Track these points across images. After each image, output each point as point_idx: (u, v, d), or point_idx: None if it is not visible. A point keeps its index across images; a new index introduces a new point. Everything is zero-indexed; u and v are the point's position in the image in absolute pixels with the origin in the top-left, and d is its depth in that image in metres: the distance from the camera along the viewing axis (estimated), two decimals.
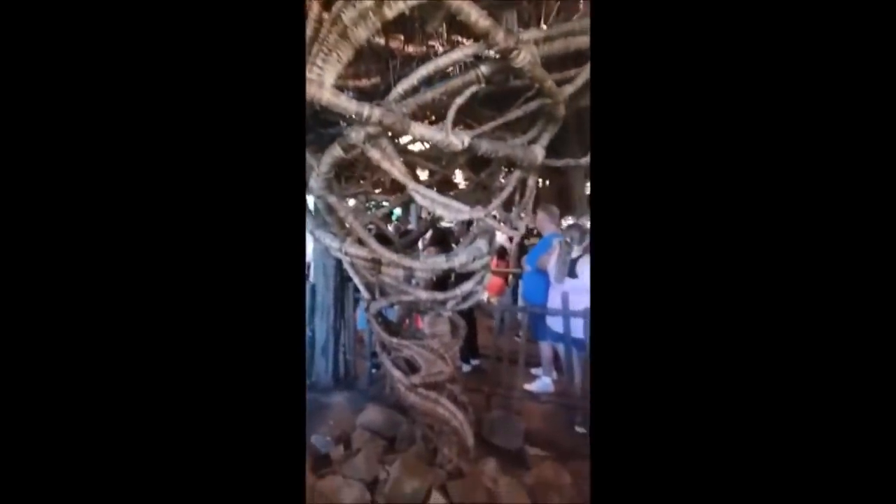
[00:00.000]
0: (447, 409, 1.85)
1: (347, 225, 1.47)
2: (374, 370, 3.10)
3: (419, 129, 1.09)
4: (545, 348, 3.08)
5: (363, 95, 1.98)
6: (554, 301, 2.75)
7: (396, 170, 1.16)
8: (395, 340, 1.86)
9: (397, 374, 1.86)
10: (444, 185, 2.76)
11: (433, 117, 1.97)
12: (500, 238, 4.28)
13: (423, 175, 2.60)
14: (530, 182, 1.57)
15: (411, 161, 2.49)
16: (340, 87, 1.70)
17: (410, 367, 1.91)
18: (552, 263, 2.79)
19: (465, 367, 3.42)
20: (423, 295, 1.68)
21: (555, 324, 2.74)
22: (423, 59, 1.73)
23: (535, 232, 3.80)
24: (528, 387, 2.97)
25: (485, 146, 1.24)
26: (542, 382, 3.08)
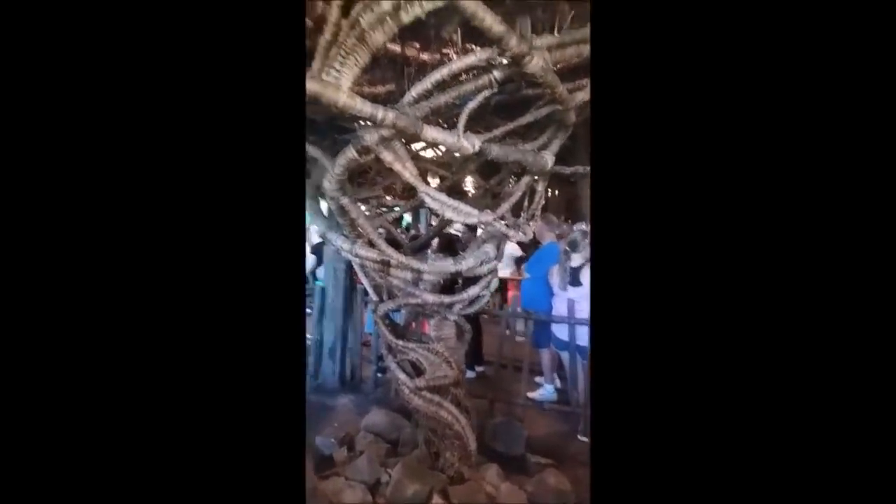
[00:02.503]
0: (450, 413, 1.85)
1: (359, 227, 1.49)
2: (379, 374, 3.12)
3: (432, 132, 1.11)
4: (545, 356, 3.07)
5: (379, 102, 2.02)
6: (559, 308, 2.75)
7: (408, 172, 1.19)
8: (400, 343, 1.87)
9: (402, 376, 1.86)
10: (454, 193, 2.79)
11: (445, 125, 2.00)
12: (514, 248, 4.28)
13: (434, 182, 2.63)
14: (539, 188, 1.59)
15: (423, 167, 2.53)
16: (357, 93, 1.74)
17: (415, 370, 1.91)
18: (555, 272, 2.80)
19: (470, 374, 3.42)
20: (430, 298, 1.70)
21: (560, 331, 2.73)
22: (438, 66, 1.77)
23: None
24: (531, 395, 2.96)
25: (495, 151, 1.26)
26: (545, 390, 3.06)
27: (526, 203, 1.61)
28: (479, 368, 3.55)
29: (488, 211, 1.41)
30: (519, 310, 3.19)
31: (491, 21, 0.90)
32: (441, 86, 1.05)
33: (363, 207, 2.45)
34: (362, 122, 1.11)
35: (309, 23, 1.51)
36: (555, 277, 2.81)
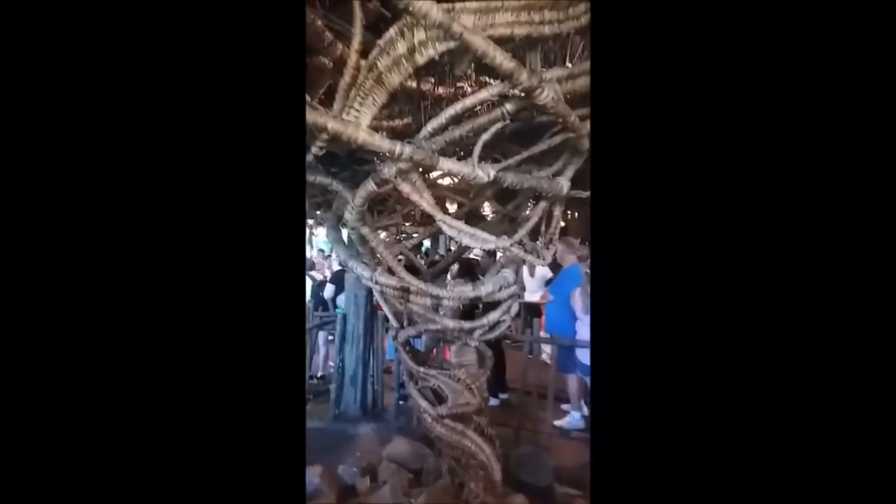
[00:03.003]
0: (474, 441, 1.82)
1: (378, 255, 1.53)
2: (401, 402, 3.10)
3: (447, 163, 1.15)
4: (572, 382, 2.99)
5: (396, 135, 2.11)
6: (583, 333, 2.70)
7: (426, 202, 1.23)
8: (421, 370, 1.87)
9: (424, 404, 1.85)
10: (472, 217, 2.83)
11: (462, 153, 2.06)
12: (545, 271, 4.25)
13: (452, 207, 2.67)
14: (556, 213, 1.60)
15: (441, 194, 2.58)
16: (376, 128, 1.82)
17: (437, 398, 1.90)
18: (577, 295, 2.76)
19: (494, 402, 3.35)
20: (451, 324, 1.70)
21: (585, 356, 2.67)
22: (453, 99, 1.84)
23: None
24: (558, 423, 2.88)
25: (510, 178, 1.29)
26: (572, 418, 2.98)
27: (543, 227, 1.62)
28: (503, 396, 3.49)
29: (505, 237, 1.43)
30: (543, 334, 3.14)
31: (501, 58, 0.94)
32: (455, 119, 1.09)
33: (383, 234, 2.52)
34: (381, 156, 1.17)
35: (328, 63, 1.60)
36: (577, 301, 2.78)
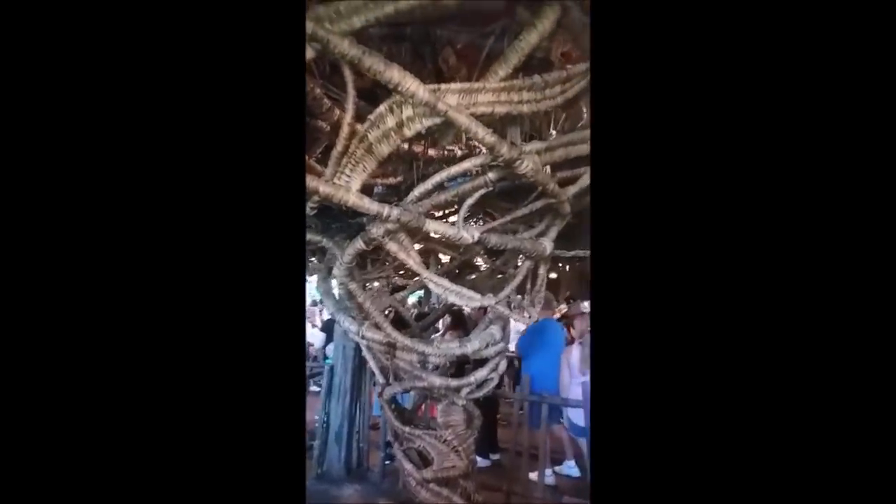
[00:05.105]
0: None
1: (366, 310, 1.55)
2: (387, 461, 2.96)
3: (433, 224, 1.20)
4: (564, 436, 2.92)
5: (392, 190, 2.20)
6: (574, 392, 2.65)
7: (412, 260, 1.26)
8: (406, 429, 1.82)
9: (408, 466, 1.79)
10: (466, 268, 2.86)
11: (453, 208, 2.14)
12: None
13: (446, 259, 2.71)
14: (541, 271, 1.64)
15: (432, 248, 2.63)
16: (371, 184, 1.89)
17: (423, 460, 1.83)
18: (576, 353, 2.74)
19: (485, 463, 3.22)
20: (437, 381, 1.68)
21: (576, 416, 2.61)
22: (444, 160, 1.94)
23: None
24: (557, 469, 2.77)
25: (494, 240, 1.34)
26: (568, 465, 2.87)
27: (529, 285, 1.65)
28: (495, 457, 3.35)
29: (491, 295, 1.46)
30: (526, 392, 3.08)
31: (483, 133, 1.02)
32: (441, 186, 1.16)
33: (376, 284, 2.53)
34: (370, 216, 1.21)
35: (326, 126, 1.70)
36: (574, 359, 2.74)
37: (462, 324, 3.29)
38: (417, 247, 2.61)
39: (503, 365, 1.86)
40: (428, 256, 2.71)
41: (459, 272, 2.71)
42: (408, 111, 1.01)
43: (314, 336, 4.43)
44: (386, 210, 1.10)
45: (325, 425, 3.05)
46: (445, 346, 1.60)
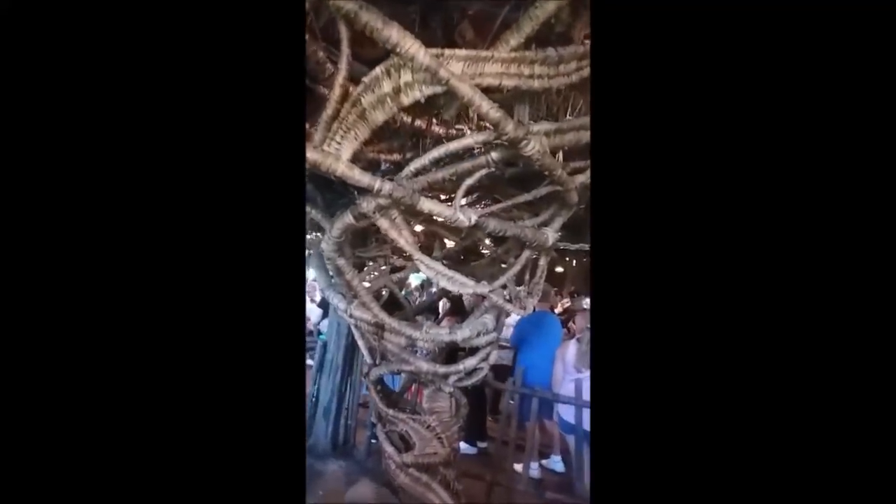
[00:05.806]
0: (438, 496, 1.71)
1: (353, 288, 1.49)
2: (373, 440, 2.96)
3: (428, 203, 1.13)
4: (554, 431, 2.89)
5: (398, 168, 2.12)
6: (566, 388, 2.60)
7: (403, 240, 1.19)
8: (391, 412, 1.78)
9: (389, 449, 1.76)
10: (470, 253, 2.77)
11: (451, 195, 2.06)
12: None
13: (451, 243, 2.63)
14: (541, 262, 1.56)
15: (434, 230, 2.56)
16: (375, 160, 1.81)
17: (405, 444, 1.80)
18: (572, 349, 2.68)
19: (471, 450, 3.21)
20: (424, 366, 1.63)
21: (566, 413, 2.56)
22: (453, 139, 1.84)
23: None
24: (545, 462, 2.76)
25: (493, 225, 1.26)
26: (554, 460, 2.86)
27: (527, 276, 1.58)
28: (482, 444, 3.33)
29: (485, 282, 1.39)
30: (518, 384, 3.03)
31: (487, 107, 0.93)
32: (439, 162, 1.08)
33: (372, 264, 2.47)
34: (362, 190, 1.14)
35: (328, 93, 1.62)
36: (570, 355, 2.68)
37: (461, 310, 3.24)
38: (420, 228, 2.54)
39: (494, 355, 1.80)
40: (432, 240, 2.64)
41: (465, 258, 2.64)
42: (406, 76, 0.92)
43: (311, 311, 4.42)
44: (378, 183, 1.03)
45: (314, 400, 3.04)
46: (434, 332, 1.54)
